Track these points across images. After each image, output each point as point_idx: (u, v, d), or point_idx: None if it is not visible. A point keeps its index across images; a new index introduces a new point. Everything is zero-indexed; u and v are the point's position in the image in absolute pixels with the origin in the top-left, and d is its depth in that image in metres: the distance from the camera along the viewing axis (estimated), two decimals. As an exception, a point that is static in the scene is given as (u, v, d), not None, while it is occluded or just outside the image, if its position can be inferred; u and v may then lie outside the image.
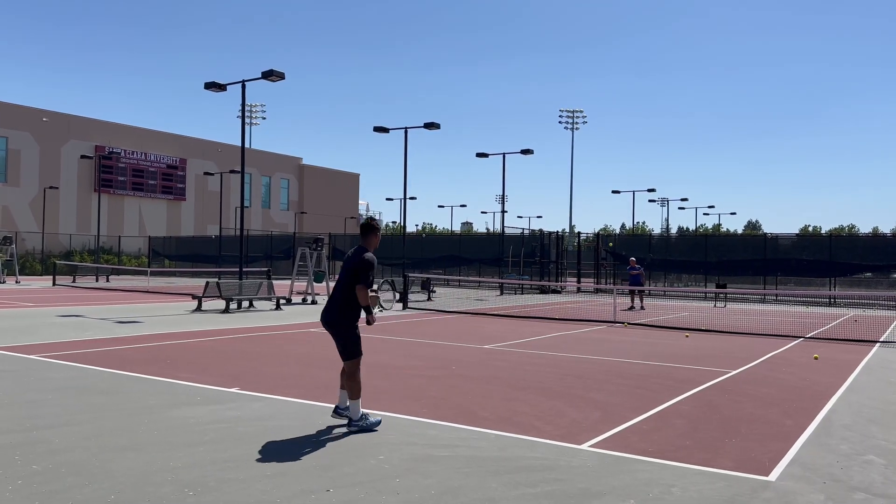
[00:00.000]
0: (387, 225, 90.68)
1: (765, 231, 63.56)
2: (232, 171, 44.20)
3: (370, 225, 6.60)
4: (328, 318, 6.40)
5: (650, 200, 66.32)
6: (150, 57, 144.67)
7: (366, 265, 6.24)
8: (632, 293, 23.70)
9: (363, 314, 6.38)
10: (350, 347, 6.33)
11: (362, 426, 6.24)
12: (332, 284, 29.51)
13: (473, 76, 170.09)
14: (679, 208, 66.90)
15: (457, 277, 38.65)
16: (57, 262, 37.05)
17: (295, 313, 19.20)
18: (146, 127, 57.65)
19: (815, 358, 11.79)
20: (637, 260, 24.62)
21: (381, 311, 5.94)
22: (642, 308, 23.00)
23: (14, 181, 48.42)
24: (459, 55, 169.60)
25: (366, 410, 6.44)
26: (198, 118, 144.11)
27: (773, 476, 5.18)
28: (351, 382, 6.27)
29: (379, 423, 6.35)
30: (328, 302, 6.48)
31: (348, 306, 6.33)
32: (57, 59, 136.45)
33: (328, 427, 6.38)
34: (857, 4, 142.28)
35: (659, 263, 35.74)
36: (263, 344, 12.01)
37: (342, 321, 6.33)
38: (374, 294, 6.34)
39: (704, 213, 72.28)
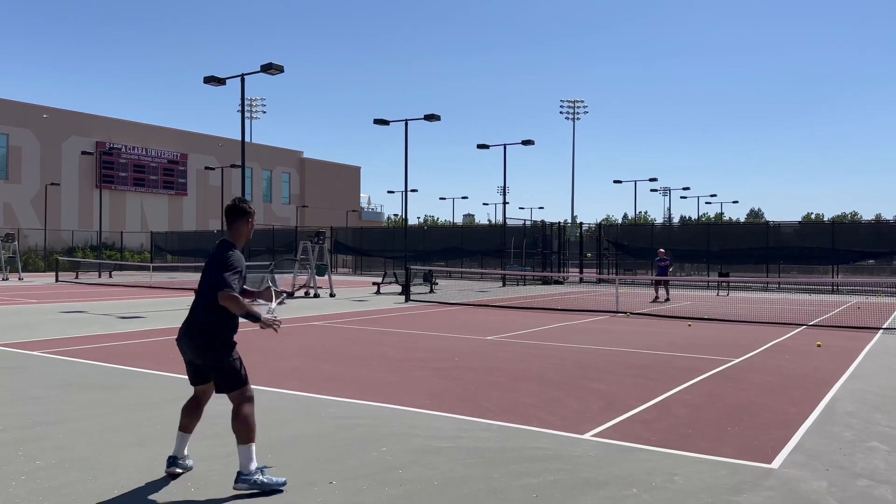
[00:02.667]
0: (388, 218, 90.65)
1: (767, 219, 63.53)
2: (233, 166, 44.22)
3: (238, 207, 4.83)
4: (191, 341, 4.63)
5: (652, 190, 66.28)
6: (149, 52, 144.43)
7: (229, 265, 4.54)
8: (657, 284, 23.57)
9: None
10: (229, 375, 4.61)
11: (257, 483, 4.47)
12: (335, 278, 29.63)
13: (474, 67, 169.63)
14: (681, 197, 66.85)
15: (459, 269, 38.64)
16: (59, 258, 37.08)
17: (297, 307, 19.22)
18: (147, 122, 57.65)
19: (818, 345, 11.78)
20: (665, 252, 24.45)
21: (276, 306, 4.61)
22: (668, 299, 22.76)
23: (15, 178, 48.46)
24: (459, 46, 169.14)
25: (261, 465, 4.65)
26: (198, 113, 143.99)
27: (776, 463, 5.18)
28: (237, 422, 4.55)
29: (284, 483, 4.57)
30: (188, 317, 4.72)
31: (217, 321, 4.59)
32: (56, 55, 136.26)
33: (331, 420, 6.39)
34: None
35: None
36: (266, 337, 12.02)
37: (210, 342, 4.60)
38: (266, 289, 4.96)
39: (707, 202, 72.12)
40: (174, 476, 4.75)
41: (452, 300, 21.85)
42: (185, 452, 4.85)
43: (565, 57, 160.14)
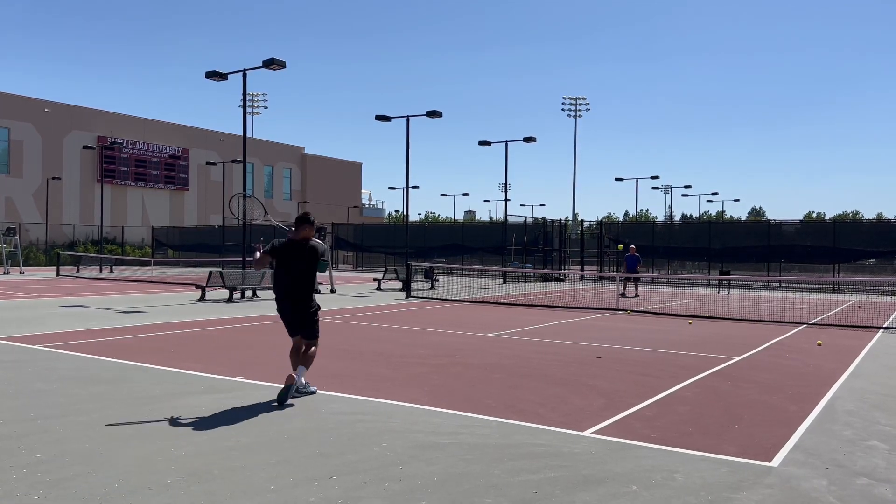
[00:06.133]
0: (390, 214, 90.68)
1: (768, 218, 63.45)
2: (234, 161, 44.26)
3: (305, 218, 7.51)
4: (303, 307, 7.23)
5: (654, 188, 66.25)
6: (151, 47, 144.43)
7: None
8: (626, 280, 23.71)
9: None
10: (318, 327, 7.35)
11: (302, 391, 7.09)
12: (336, 273, 29.71)
13: (476, 64, 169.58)
14: (682, 195, 66.80)
15: (460, 266, 38.66)
16: (61, 252, 37.09)
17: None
18: (148, 117, 57.61)
19: (819, 344, 11.78)
20: (635, 248, 24.59)
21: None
22: (636, 295, 22.89)
23: (17, 172, 48.46)
24: (462, 43, 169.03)
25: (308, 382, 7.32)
26: (200, 108, 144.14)
27: (776, 462, 5.18)
28: (313, 357, 7.26)
29: (315, 391, 7.26)
30: (293, 286, 7.17)
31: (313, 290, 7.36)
32: (58, 49, 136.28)
33: (331, 415, 6.40)
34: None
35: (663, 251, 35.69)
36: (267, 333, 12.03)
37: (313, 303, 7.31)
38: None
39: (708, 200, 71.97)
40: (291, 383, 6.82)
41: (453, 297, 21.86)
42: (304, 381, 7.09)
43: (567, 54, 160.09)
